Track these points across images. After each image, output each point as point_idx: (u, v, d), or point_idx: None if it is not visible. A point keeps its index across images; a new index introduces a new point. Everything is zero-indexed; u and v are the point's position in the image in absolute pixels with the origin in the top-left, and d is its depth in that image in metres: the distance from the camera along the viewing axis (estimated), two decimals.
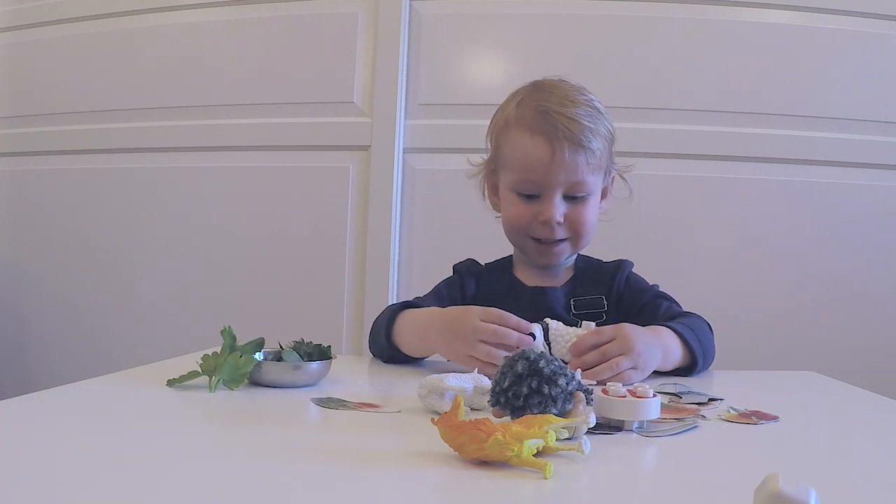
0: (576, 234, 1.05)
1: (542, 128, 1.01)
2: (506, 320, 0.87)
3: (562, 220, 1.03)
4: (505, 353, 0.83)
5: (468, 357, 0.87)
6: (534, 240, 1.06)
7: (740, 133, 1.72)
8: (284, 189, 1.89)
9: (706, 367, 0.99)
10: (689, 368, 0.95)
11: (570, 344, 0.87)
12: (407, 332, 1.00)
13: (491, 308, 0.89)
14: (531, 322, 0.88)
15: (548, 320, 0.90)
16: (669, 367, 0.92)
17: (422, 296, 1.11)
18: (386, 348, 1.01)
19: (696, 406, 0.72)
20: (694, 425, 0.63)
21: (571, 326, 0.91)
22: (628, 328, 0.87)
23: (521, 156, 1.04)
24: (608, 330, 0.87)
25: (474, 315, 0.89)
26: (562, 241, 1.06)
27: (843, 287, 1.71)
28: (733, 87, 1.73)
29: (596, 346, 0.86)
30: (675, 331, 0.94)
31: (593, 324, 0.91)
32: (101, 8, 2.02)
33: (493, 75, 1.83)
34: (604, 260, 1.15)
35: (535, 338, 0.86)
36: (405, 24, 1.82)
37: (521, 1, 1.82)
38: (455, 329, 0.90)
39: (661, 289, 1.11)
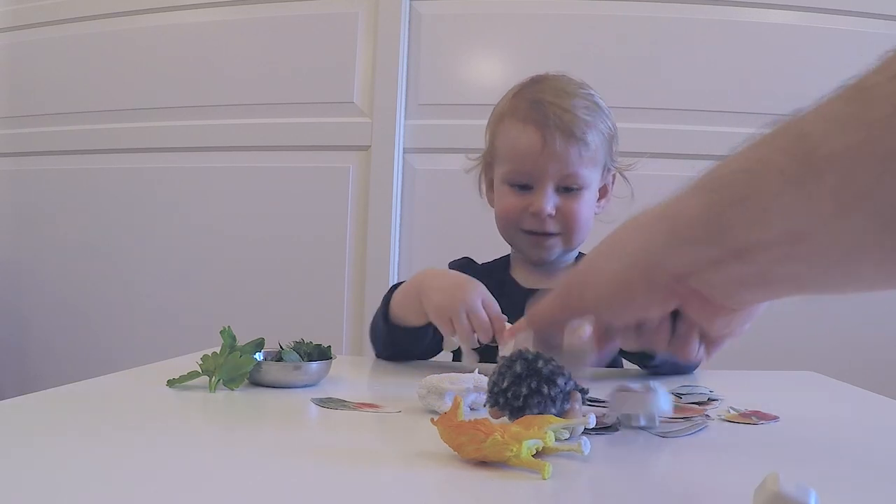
0: (567, 229, 1.02)
1: (533, 117, 0.99)
2: (495, 319, 0.87)
3: (553, 212, 1.00)
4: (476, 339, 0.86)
5: (448, 319, 0.87)
6: (525, 233, 1.04)
7: (740, 133, 1.70)
8: (284, 189, 1.89)
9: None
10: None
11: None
12: (403, 295, 0.97)
13: (494, 301, 0.88)
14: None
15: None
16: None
17: None
18: (383, 331, 1.00)
19: (699, 406, 0.72)
20: (704, 426, 0.63)
21: None
22: None
23: (512, 146, 1.02)
24: None
25: (479, 293, 0.88)
26: (553, 234, 1.03)
27: None
28: (733, 87, 1.73)
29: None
30: None
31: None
32: (101, 8, 2.02)
33: (493, 75, 1.83)
34: None
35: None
36: (405, 24, 1.82)
37: (521, 1, 1.82)
38: (457, 288, 0.89)
39: None
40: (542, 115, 0.98)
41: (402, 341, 0.99)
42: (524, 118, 1.00)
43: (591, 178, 1.02)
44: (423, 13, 1.83)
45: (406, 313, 0.96)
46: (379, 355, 1.06)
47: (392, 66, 1.81)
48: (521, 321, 0.80)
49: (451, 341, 0.92)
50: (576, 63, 1.71)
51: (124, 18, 2.02)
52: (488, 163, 1.11)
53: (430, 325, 0.94)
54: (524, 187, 1.02)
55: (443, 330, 0.89)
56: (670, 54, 1.75)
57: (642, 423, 0.60)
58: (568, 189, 1.01)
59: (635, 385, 0.61)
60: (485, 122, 1.13)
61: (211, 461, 0.50)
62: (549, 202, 1.00)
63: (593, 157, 1.01)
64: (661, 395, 0.60)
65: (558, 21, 1.80)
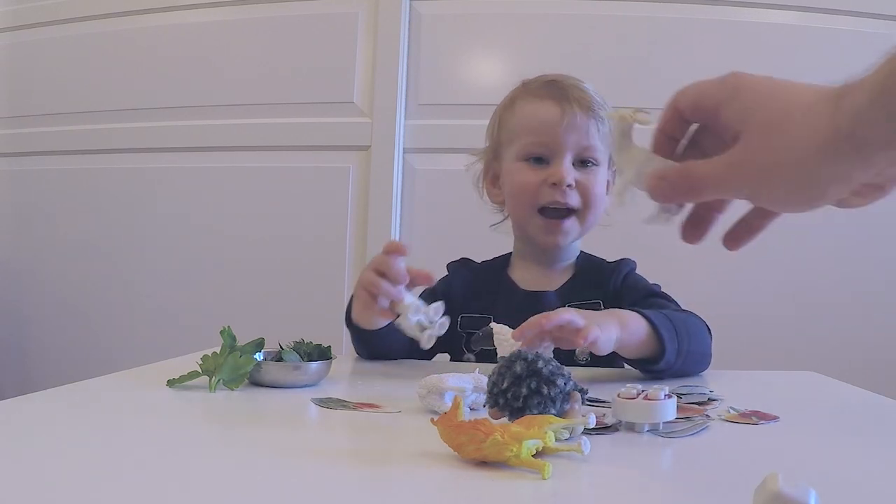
0: (585, 203, 1.00)
1: (551, 93, 1.01)
2: (396, 256, 0.83)
3: (573, 183, 0.99)
4: (386, 285, 0.82)
5: (363, 290, 0.85)
6: (541, 216, 1.02)
7: None
8: (284, 189, 1.89)
9: (690, 362, 0.88)
10: (659, 355, 0.84)
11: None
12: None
13: (395, 243, 0.86)
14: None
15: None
16: (633, 340, 0.83)
17: None
18: (353, 334, 0.99)
19: (699, 406, 0.72)
20: (704, 426, 0.63)
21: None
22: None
23: (529, 120, 1.02)
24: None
25: (380, 256, 0.86)
26: (570, 215, 1.01)
27: (842, 287, 1.71)
28: None
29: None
30: (638, 312, 0.86)
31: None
32: (101, 8, 2.02)
33: (493, 75, 1.83)
34: (608, 260, 1.11)
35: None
36: (405, 24, 1.82)
37: (521, 1, 1.82)
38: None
39: (662, 289, 1.06)
40: (560, 90, 1.01)
41: (366, 338, 0.98)
42: (541, 95, 1.02)
43: (605, 154, 1.02)
44: (423, 13, 1.83)
45: (357, 317, 0.95)
46: (360, 355, 1.05)
47: (392, 66, 1.81)
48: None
49: (406, 323, 0.85)
50: (576, 63, 1.71)
51: (124, 18, 2.02)
52: (491, 158, 1.10)
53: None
54: (540, 160, 1.02)
55: (371, 308, 0.86)
56: (669, 54, 1.75)
57: (646, 430, 0.60)
58: (584, 163, 1.01)
59: (638, 389, 0.61)
60: (485, 121, 1.13)
61: (211, 461, 0.50)
62: (570, 172, 0.99)
63: (605, 137, 1.01)
64: (665, 403, 0.59)
65: (558, 21, 1.80)
